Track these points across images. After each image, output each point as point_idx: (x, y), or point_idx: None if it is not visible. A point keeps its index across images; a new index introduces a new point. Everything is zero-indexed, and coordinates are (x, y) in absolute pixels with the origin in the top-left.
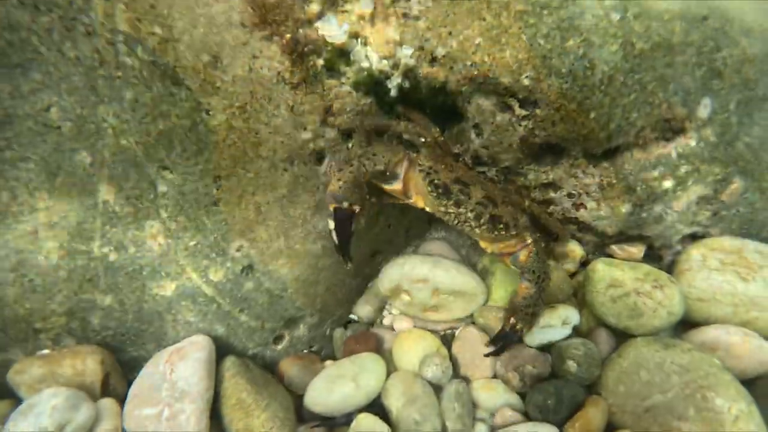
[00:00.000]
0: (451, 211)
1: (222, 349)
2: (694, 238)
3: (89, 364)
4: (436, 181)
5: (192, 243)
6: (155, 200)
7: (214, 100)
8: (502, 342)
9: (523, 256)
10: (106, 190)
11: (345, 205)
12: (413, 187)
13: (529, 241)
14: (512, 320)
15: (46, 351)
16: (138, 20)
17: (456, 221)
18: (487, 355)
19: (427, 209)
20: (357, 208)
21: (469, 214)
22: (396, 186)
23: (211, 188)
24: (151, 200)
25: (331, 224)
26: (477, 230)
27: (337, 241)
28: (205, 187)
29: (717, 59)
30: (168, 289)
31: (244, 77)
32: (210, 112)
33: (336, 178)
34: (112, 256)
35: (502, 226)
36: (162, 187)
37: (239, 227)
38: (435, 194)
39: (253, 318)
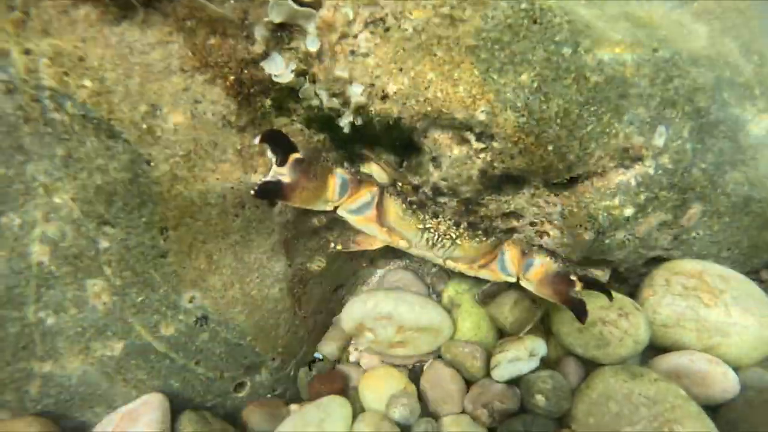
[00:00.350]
0: (430, 225)
1: (179, 404)
2: (657, 260)
3: None
4: (410, 200)
5: (140, 299)
6: (97, 257)
7: (154, 150)
8: (578, 312)
9: (510, 255)
10: (40, 250)
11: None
12: (384, 217)
13: (510, 241)
14: (569, 293)
15: None
16: (65, 74)
17: (436, 237)
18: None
19: (401, 245)
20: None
21: (449, 221)
22: (369, 214)
23: (157, 240)
24: (92, 257)
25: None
26: (458, 242)
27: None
28: (151, 240)
29: (669, 89)
30: (115, 348)
31: (187, 124)
32: (151, 163)
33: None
34: (50, 320)
35: (480, 231)
36: (104, 243)
37: (190, 278)
38: (411, 211)
39: (210, 369)
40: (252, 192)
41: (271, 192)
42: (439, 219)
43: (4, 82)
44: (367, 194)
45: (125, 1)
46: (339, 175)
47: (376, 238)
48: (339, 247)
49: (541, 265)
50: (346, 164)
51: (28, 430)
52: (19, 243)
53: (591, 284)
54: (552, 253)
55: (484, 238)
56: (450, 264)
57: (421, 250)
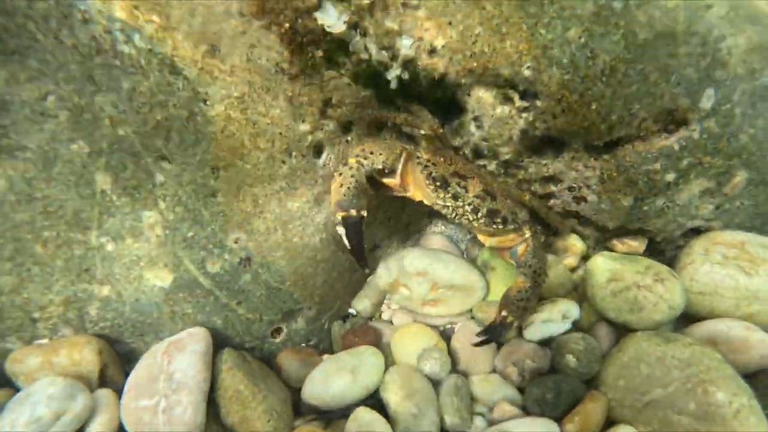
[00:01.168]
0: (449, 204)
1: (219, 341)
2: (696, 232)
3: (86, 355)
4: (434, 174)
5: (190, 234)
6: (153, 190)
7: (211, 89)
8: (490, 334)
9: (521, 250)
10: (104, 179)
11: (353, 212)
12: (412, 180)
13: (528, 235)
14: (503, 313)
15: (43, 341)
16: (135, 8)
17: (454, 214)
18: (475, 345)
19: (425, 202)
20: (365, 213)
21: (467, 207)
22: (394, 180)
23: (209, 179)
24: (149, 190)
25: (342, 230)
26: (474, 224)
27: (350, 248)
28: (203, 178)
29: (722, 48)
30: (166, 280)
31: (243, 67)
32: (208, 102)
33: (338, 183)
34: (110, 246)
35: (499, 220)
36: (160, 178)
37: (237, 219)
38: (433, 187)
39: (250, 310)
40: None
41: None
42: (457, 202)
43: (81, 11)
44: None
45: None
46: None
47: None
48: (372, 192)
49: (517, 280)
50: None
51: (88, 347)
52: (87, 170)
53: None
54: (534, 275)
55: (501, 227)
56: (465, 222)
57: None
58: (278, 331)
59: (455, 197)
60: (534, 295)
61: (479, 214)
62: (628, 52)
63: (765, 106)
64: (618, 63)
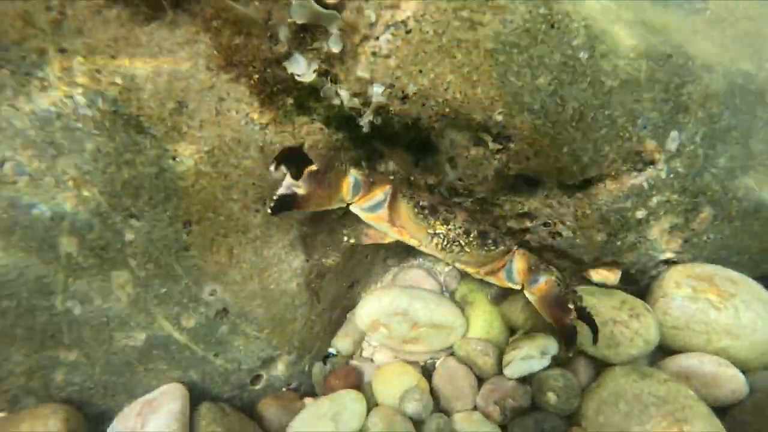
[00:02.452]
0: (440, 231)
1: (197, 395)
2: (667, 263)
3: (52, 426)
4: (422, 203)
5: (162, 290)
6: (122, 249)
7: (180, 146)
8: (570, 341)
9: (518, 263)
10: (68, 242)
11: None
12: (396, 217)
13: (515, 248)
14: (564, 317)
15: (1, 414)
16: (98, 72)
17: (444, 242)
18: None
19: (412, 242)
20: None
21: (459, 230)
22: (381, 213)
23: (180, 234)
24: (117, 250)
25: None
26: (466, 249)
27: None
28: (174, 234)
29: (683, 94)
30: (138, 339)
31: (212, 121)
32: (177, 159)
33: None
34: (77, 310)
35: (490, 240)
36: (129, 236)
37: (212, 271)
38: (422, 216)
39: (228, 361)
40: (268, 210)
41: (286, 205)
42: (449, 226)
43: (39, 79)
44: (380, 194)
45: (155, 1)
46: (352, 176)
47: (386, 234)
48: (352, 241)
49: (545, 283)
50: (363, 164)
51: (53, 417)
52: (49, 234)
53: (583, 317)
54: (558, 273)
55: (493, 248)
56: (458, 265)
57: (431, 251)
58: (258, 378)
59: (446, 221)
60: (564, 280)
61: (471, 236)
62: (596, 98)
63: (724, 148)
64: (587, 109)
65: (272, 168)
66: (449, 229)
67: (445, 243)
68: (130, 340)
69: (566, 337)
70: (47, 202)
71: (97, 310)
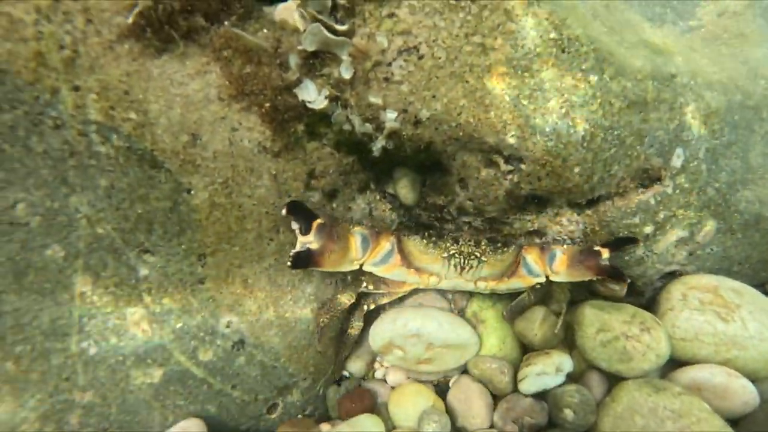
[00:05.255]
0: (453, 250)
1: (213, 427)
2: (672, 275)
3: None
4: (427, 233)
5: (178, 325)
6: (137, 285)
7: (194, 178)
8: (618, 274)
9: (529, 255)
10: (83, 281)
11: None
12: (409, 259)
13: (523, 243)
14: (600, 263)
15: None
16: (111, 108)
17: (462, 260)
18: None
19: (432, 281)
20: None
21: (469, 243)
22: (393, 261)
23: (195, 267)
24: (132, 286)
25: None
26: (483, 258)
27: None
28: (189, 267)
29: (686, 113)
30: (155, 376)
31: (225, 152)
32: (191, 191)
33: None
34: (92, 350)
35: (500, 244)
36: (143, 271)
37: (227, 303)
38: (432, 243)
39: (245, 392)
40: (288, 264)
41: (303, 261)
42: (459, 243)
43: (52, 118)
44: (386, 244)
45: (166, 34)
46: (358, 233)
47: (404, 282)
48: (372, 306)
49: (563, 252)
50: (364, 222)
51: None
52: (63, 275)
53: (615, 245)
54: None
55: (505, 249)
56: (481, 285)
57: (452, 280)
58: (274, 407)
59: (455, 240)
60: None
61: (482, 245)
62: (605, 119)
63: (726, 162)
64: (597, 130)
65: (283, 212)
66: (461, 246)
67: (462, 261)
68: (147, 378)
69: (613, 277)
70: (60, 241)
71: (112, 349)
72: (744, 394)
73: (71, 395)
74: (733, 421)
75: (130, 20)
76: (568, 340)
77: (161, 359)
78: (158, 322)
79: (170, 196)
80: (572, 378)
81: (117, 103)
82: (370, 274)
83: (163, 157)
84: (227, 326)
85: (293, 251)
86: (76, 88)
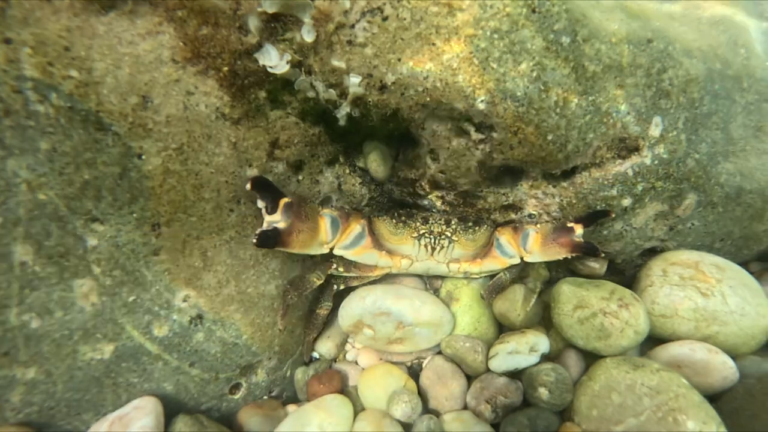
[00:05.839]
0: (423, 230)
1: (172, 407)
2: (652, 251)
3: None
4: (397, 212)
5: (131, 298)
6: (85, 256)
7: (146, 143)
8: (593, 250)
9: (503, 236)
10: (23, 250)
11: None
12: (380, 241)
13: (495, 223)
14: (574, 239)
15: None
16: (49, 64)
17: (433, 240)
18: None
19: (403, 263)
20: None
21: (440, 222)
22: (365, 243)
23: (149, 237)
24: (79, 256)
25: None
26: (454, 238)
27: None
28: (142, 237)
29: (664, 80)
30: (105, 351)
31: (179, 116)
32: (143, 157)
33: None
34: (35, 323)
35: (471, 223)
36: (92, 241)
37: (184, 276)
38: (402, 223)
39: (205, 370)
40: (253, 242)
41: (270, 240)
42: (429, 222)
43: None
44: (357, 226)
45: None
46: (327, 215)
47: (376, 265)
48: (342, 287)
49: (536, 231)
50: (332, 204)
51: None
52: (1, 242)
53: (588, 219)
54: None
55: (477, 228)
56: (454, 267)
57: (424, 262)
58: (237, 387)
59: (425, 220)
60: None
61: (453, 224)
62: (579, 84)
63: (706, 133)
64: (570, 95)
65: (247, 187)
66: (431, 225)
67: (433, 241)
68: (96, 353)
69: (588, 253)
70: None
71: (58, 323)
72: (724, 369)
73: (11, 371)
74: (714, 396)
75: None
76: (545, 317)
77: (112, 334)
78: (109, 295)
79: (119, 161)
80: (549, 357)
81: (56, 60)
82: (341, 257)
83: (110, 119)
84: (184, 300)
85: (259, 230)
86: (7, 41)
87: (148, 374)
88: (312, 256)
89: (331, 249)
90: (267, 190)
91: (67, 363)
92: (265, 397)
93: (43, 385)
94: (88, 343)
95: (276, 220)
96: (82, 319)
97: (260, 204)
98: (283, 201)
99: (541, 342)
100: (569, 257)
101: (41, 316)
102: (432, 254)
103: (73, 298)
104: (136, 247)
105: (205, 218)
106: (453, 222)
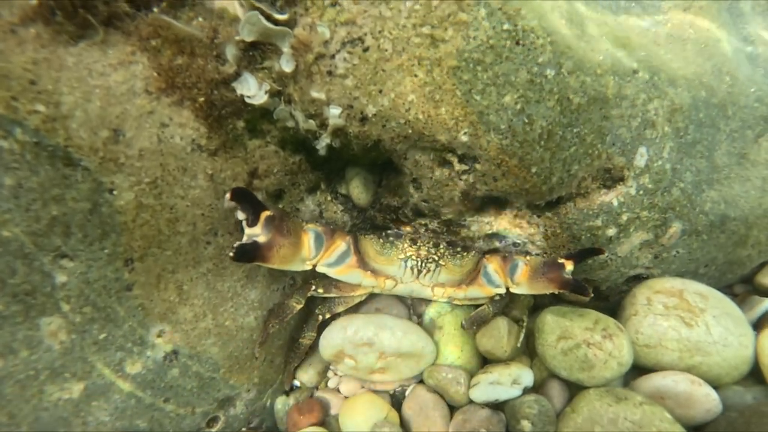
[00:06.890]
0: (410, 252)
1: None
2: (638, 278)
3: None
4: (386, 233)
5: (102, 336)
6: (53, 293)
7: (118, 178)
8: (582, 289)
9: (491, 264)
10: None
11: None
12: (366, 260)
13: (484, 252)
14: (563, 275)
15: None
16: (14, 99)
17: (419, 263)
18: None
19: (388, 284)
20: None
21: (428, 245)
22: (349, 261)
23: (122, 272)
24: (47, 294)
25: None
26: (441, 262)
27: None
28: (114, 272)
29: (650, 110)
30: (74, 390)
31: (153, 149)
32: (114, 192)
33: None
34: None
35: (459, 248)
36: (61, 278)
37: (159, 311)
38: (389, 243)
39: (180, 405)
40: (230, 255)
41: (248, 254)
42: (417, 245)
43: None
44: (342, 243)
45: (82, 19)
46: (312, 231)
47: (359, 285)
48: (327, 316)
49: (526, 263)
50: (318, 221)
51: None
52: None
53: (579, 256)
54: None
55: (464, 253)
56: (439, 292)
57: (409, 284)
58: (214, 420)
59: (413, 241)
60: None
61: (441, 248)
62: (563, 116)
63: (691, 161)
64: (555, 127)
65: (227, 198)
66: (419, 248)
67: (419, 264)
68: (65, 393)
69: (576, 291)
70: None
71: (22, 363)
72: (707, 402)
73: None
74: (696, 428)
75: (34, 1)
76: (529, 346)
77: (81, 372)
78: (78, 333)
79: (89, 196)
80: (533, 387)
81: (20, 94)
82: (322, 276)
83: (79, 154)
84: (159, 336)
85: (237, 243)
86: None
87: (120, 412)
88: (291, 281)
89: (314, 266)
90: (248, 201)
91: (32, 404)
92: (244, 429)
93: (5, 427)
94: (56, 383)
95: (256, 233)
96: (50, 358)
97: (240, 216)
98: (265, 214)
99: (525, 375)
100: (556, 293)
101: (4, 356)
102: (417, 277)
103: (40, 337)
104: (108, 283)
105: (181, 252)
106: (441, 246)
